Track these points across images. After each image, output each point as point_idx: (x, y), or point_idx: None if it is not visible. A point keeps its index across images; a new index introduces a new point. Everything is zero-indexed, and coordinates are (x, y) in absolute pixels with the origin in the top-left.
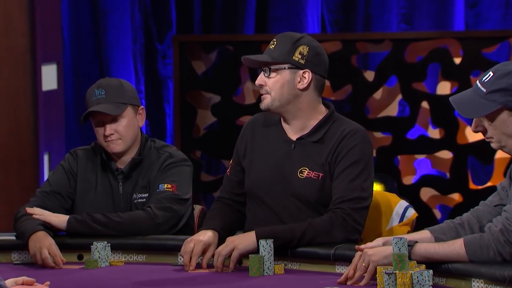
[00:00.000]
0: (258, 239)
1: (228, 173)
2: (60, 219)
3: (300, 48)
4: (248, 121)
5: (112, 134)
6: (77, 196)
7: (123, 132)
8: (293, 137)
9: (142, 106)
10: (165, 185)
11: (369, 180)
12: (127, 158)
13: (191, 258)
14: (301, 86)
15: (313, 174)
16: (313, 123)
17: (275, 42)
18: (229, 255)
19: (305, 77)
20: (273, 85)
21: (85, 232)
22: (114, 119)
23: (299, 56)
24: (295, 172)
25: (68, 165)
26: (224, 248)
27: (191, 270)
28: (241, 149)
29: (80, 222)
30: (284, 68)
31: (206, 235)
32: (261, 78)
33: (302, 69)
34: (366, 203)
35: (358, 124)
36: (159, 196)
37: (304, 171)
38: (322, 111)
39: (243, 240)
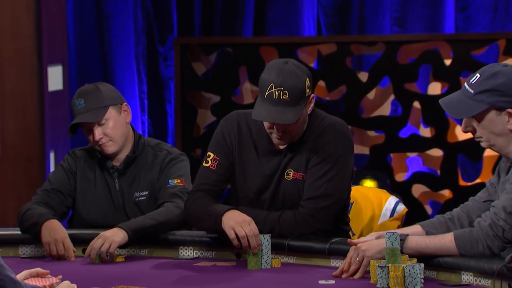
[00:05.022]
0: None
1: (213, 168)
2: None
3: (306, 83)
4: (231, 119)
5: (101, 138)
6: (77, 194)
7: (112, 133)
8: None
9: (125, 103)
10: (175, 180)
11: (339, 177)
12: (122, 156)
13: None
14: (310, 110)
15: (298, 175)
16: None
17: (287, 93)
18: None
19: (311, 101)
20: (297, 127)
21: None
22: (99, 124)
23: (308, 90)
24: (283, 175)
25: (67, 165)
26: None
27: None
28: (229, 148)
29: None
30: (303, 108)
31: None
32: (282, 128)
33: (310, 97)
34: (330, 200)
35: (336, 118)
36: (174, 190)
37: (290, 173)
38: None
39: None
